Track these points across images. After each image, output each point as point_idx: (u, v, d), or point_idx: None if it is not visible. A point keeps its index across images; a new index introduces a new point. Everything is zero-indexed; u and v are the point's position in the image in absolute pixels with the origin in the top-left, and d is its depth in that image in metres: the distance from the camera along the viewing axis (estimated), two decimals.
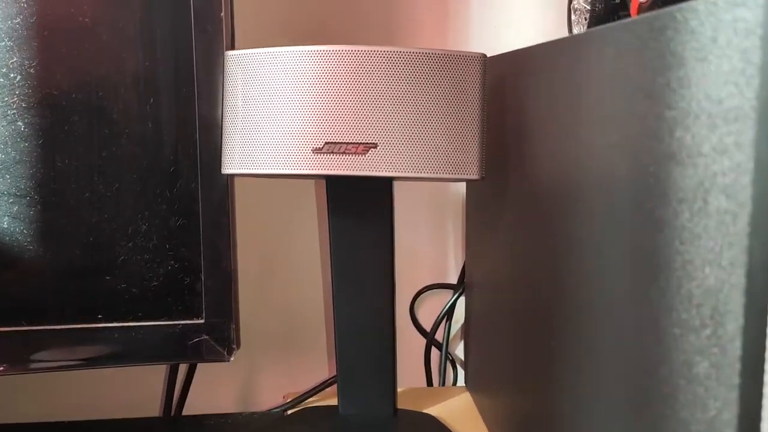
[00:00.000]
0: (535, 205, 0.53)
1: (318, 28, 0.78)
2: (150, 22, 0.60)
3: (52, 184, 0.60)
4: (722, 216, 0.28)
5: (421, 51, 0.55)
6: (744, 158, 0.27)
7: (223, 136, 0.60)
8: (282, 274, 0.82)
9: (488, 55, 0.57)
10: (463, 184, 0.81)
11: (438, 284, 0.85)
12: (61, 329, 0.62)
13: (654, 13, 0.33)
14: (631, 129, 0.36)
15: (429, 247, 0.84)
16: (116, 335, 0.62)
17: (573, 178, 0.44)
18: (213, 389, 0.82)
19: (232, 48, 0.63)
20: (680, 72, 0.31)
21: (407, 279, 0.83)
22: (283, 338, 0.83)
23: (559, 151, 0.47)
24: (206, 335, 0.63)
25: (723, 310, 0.28)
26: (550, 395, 0.50)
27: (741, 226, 0.27)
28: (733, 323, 0.28)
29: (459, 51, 0.56)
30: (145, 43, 0.60)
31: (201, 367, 0.78)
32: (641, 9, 0.52)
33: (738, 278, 0.27)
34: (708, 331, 0.29)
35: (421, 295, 0.85)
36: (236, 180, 0.65)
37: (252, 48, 0.58)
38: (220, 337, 0.63)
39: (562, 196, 0.46)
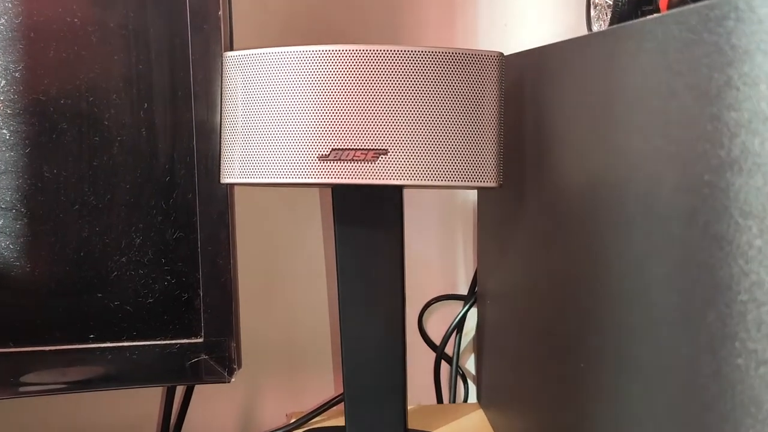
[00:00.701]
0: (559, 213, 0.49)
1: (320, 27, 0.75)
2: (143, 22, 0.56)
3: (39, 196, 0.56)
4: None
5: (434, 50, 0.51)
6: None
7: (222, 143, 0.56)
8: (285, 288, 0.78)
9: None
10: (474, 191, 0.78)
11: (447, 295, 0.81)
12: (50, 350, 0.58)
13: (708, 2, 0.29)
14: (680, 133, 0.32)
15: (437, 257, 0.81)
16: (109, 356, 0.58)
17: (605, 186, 0.41)
18: (212, 409, 0.78)
19: (231, 49, 0.59)
20: (745, 68, 0.27)
21: (415, 290, 0.80)
22: (286, 355, 0.80)
23: (588, 156, 0.44)
24: (205, 355, 0.59)
25: None
26: (579, 419, 0.46)
27: None
28: None
29: (474, 49, 0.52)
30: (138, 44, 0.56)
31: (200, 386, 0.74)
32: (671, 3, 0.49)
33: None
34: None
35: (430, 307, 0.81)
36: (236, 189, 0.61)
37: (252, 48, 0.54)
38: (220, 357, 0.60)
39: (591, 205, 0.43)
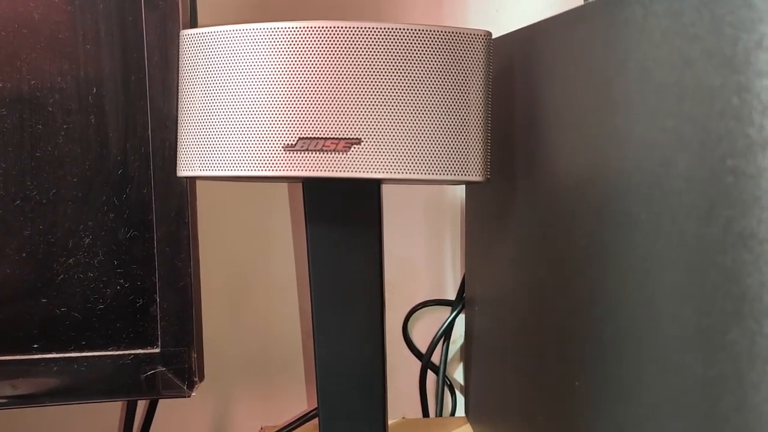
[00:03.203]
0: (553, 211, 0.44)
1: (294, 3, 0.69)
2: None
3: None
4: None
5: (414, 27, 0.46)
6: None
7: (179, 132, 0.50)
8: (256, 293, 0.73)
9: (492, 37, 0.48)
10: (462, 187, 0.72)
11: (434, 300, 0.77)
12: None
13: None
14: (697, 109, 0.26)
15: (424, 259, 0.76)
16: (55, 368, 0.53)
17: (604, 178, 0.35)
18: (178, 423, 0.73)
19: (194, 27, 0.54)
20: None
21: (399, 294, 0.75)
22: (258, 364, 0.75)
23: (584, 145, 0.38)
24: (163, 367, 0.54)
25: None
26: None
27: None
28: None
29: (459, 27, 0.47)
30: (85, 21, 0.51)
31: (164, 399, 0.68)
32: None
33: None
34: None
35: (415, 313, 0.77)
36: (198, 184, 0.55)
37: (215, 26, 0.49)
38: (180, 369, 0.54)
39: (589, 200, 0.37)
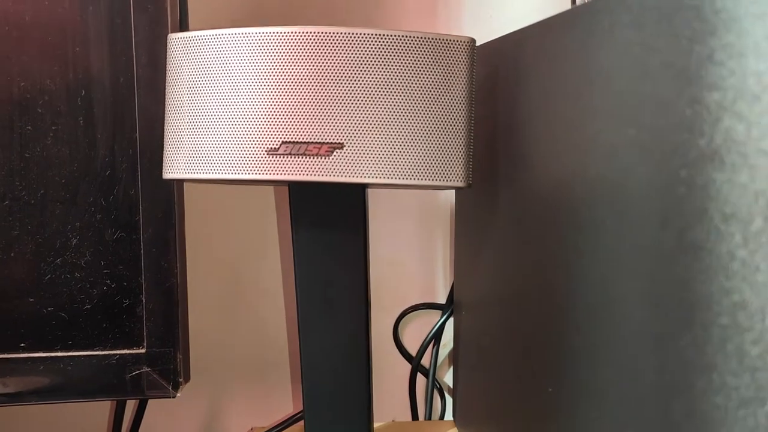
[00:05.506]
0: (531, 216, 0.44)
1: (287, 10, 0.70)
2: None
3: None
4: None
5: (396, 33, 0.46)
6: None
7: (165, 134, 0.51)
8: (245, 294, 0.73)
9: (479, 44, 0.48)
10: (453, 191, 0.73)
11: (425, 304, 0.77)
12: None
13: None
14: (654, 119, 0.27)
15: (415, 263, 0.76)
16: (41, 367, 0.53)
17: (578, 185, 0.35)
18: (168, 423, 0.73)
19: (185, 30, 0.54)
20: (729, 37, 0.22)
21: (391, 298, 0.75)
22: (248, 365, 0.74)
23: (562, 151, 0.38)
24: (148, 367, 0.54)
25: None
26: None
27: None
28: None
29: (442, 34, 0.47)
30: (75, 24, 0.51)
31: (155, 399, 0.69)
32: None
33: None
34: None
35: (406, 316, 0.76)
36: (187, 186, 0.56)
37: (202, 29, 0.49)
38: (165, 370, 0.54)
39: (564, 206, 0.37)
